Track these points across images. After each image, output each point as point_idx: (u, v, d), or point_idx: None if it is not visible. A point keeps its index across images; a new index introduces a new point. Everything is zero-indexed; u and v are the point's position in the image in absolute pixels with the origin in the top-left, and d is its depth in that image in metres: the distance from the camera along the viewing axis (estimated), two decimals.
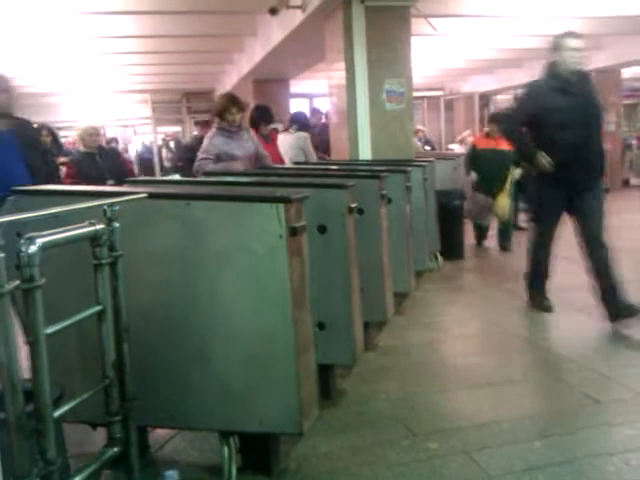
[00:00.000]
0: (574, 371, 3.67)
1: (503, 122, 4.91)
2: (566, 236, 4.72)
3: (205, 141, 5.24)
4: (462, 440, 2.89)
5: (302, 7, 6.56)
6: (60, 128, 14.43)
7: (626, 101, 12.75)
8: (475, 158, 7.62)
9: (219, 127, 5.12)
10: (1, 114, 4.23)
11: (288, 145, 6.76)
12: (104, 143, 8.18)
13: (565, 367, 3.75)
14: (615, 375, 3.57)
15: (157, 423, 2.73)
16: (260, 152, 5.36)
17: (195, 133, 12.76)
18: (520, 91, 4.80)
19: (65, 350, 2.39)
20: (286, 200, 2.39)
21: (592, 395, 3.29)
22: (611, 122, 12.72)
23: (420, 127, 11.95)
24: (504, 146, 6.89)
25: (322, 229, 3.11)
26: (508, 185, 7.31)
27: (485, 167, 7.40)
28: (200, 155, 5.09)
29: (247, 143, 5.20)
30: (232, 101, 5.15)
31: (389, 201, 4.16)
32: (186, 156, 9.04)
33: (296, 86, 13.43)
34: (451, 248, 6.94)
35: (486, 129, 8.18)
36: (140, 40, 9.60)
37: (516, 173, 7.22)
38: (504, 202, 7.40)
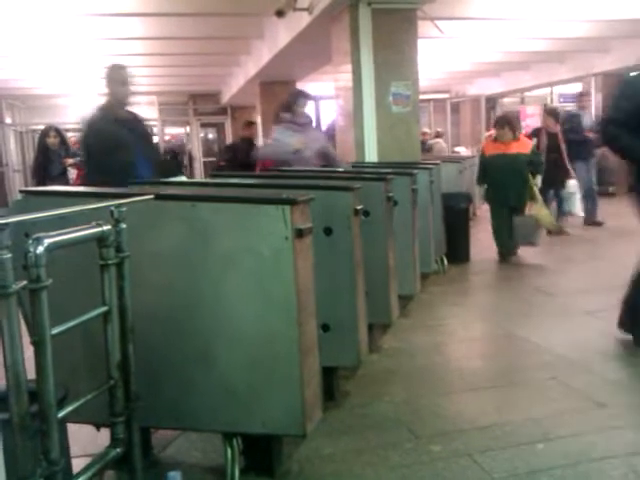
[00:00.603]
0: (578, 374, 3.66)
1: (605, 126, 3.89)
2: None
3: (277, 136, 5.18)
4: (465, 442, 2.89)
5: (309, 9, 6.58)
6: (67, 130, 14.51)
7: None
8: (485, 166, 7.10)
9: (288, 121, 5.09)
10: (121, 106, 4.41)
11: None
12: None
13: (569, 370, 3.74)
14: (619, 378, 3.56)
15: (160, 424, 2.74)
16: (329, 151, 5.30)
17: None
18: (616, 89, 4.06)
19: (69, 350, 2.40)
20: (292, 202, 2.40)
21: (596, 398, 3.28)
22: None
23: (426, 130, 11.92)
24: (515, 150, 6.78)
25: (328, 231, 3.12)
26: (537, 195, 6.83)
27: (497, 175, 6.87)
28: (276, 153, 5.07)
29: (315, 139, 5.17)
30: (300, 93, 5.25)
31: (395, 203, 4.17)
32: (226, 157, 9.12)
33: (302, 88, 13.44)
34: (457, 251, 6.94)
35: (493, 133, 7.85)
36: (147, 42, 9.65)
37: (538, 181, 6.94)
38: (545, 212, 6.99)
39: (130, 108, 4.66)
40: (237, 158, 8.14)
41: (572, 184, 8.42)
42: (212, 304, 2.46)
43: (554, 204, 8.41)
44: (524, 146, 6.95)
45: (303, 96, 5.33)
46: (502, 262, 7.01)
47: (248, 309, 2.43)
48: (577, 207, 8.61)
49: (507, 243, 7.02)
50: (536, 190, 6.86)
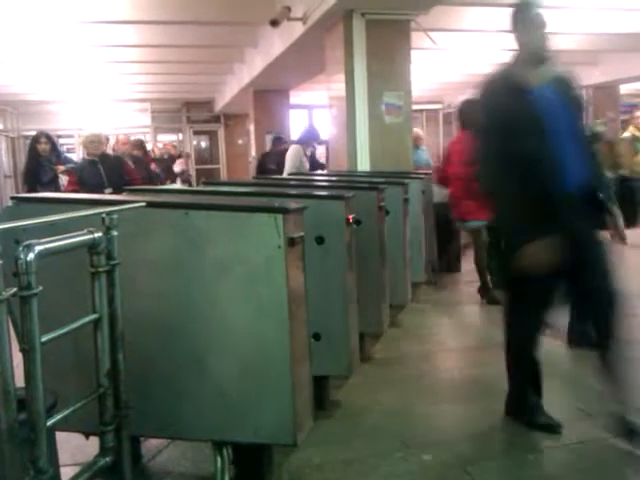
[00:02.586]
0: (568, 385, 3.67)
1: None
2: None
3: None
4: (456, 453, 2.89)
5: (303, 19, 6.61)
6: (60, 136, 14.47)
7: (624, 117, 12.84)
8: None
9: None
10: (536, 62, 2.91)
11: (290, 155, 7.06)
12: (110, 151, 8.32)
13: (559, 381, 3.75)
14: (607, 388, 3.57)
15: (150, 433, 2.72)
16: None
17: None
18: None
19: (59, 358, 2.38)
20: (285, 210, 2.40)
21: (584, 408, 3.29)
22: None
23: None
24: None
25: (320, 240, 3.12)
26: None
27: None
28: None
29: None
30: None
31: (387, 213, 4.18)
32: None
33: (296, 97, 13.48)
34: (448, 261, 6.96)
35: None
36: (140, 49, 9.65)
37: None
38: None
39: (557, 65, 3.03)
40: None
41: None
42: (204, 312, 2.45)
43: None
44: None
45: None
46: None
47: (240, 317, 2.42)
48: None
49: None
50: None
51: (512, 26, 3.01)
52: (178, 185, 9.92)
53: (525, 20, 2.95)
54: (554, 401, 3.41)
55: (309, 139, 7.73)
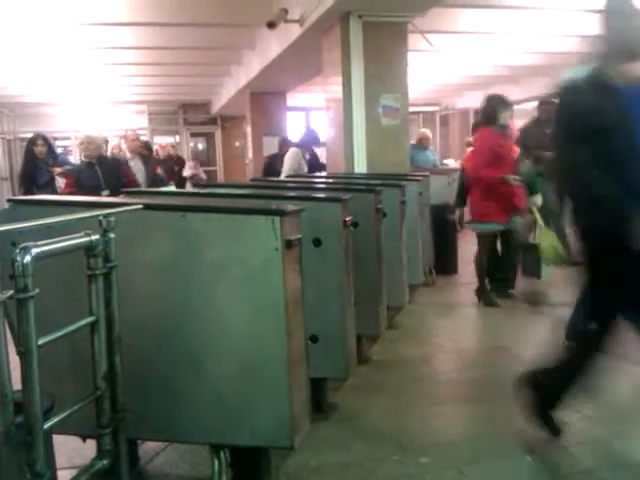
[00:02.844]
0: None
1: None
2: None
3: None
4: (453, 455, 2.89)
5: (300, 21, 6.61)
6: (57, 138, 14.45)
7: None
8: (468, 184, 5.93)
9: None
10: (626, 59, 2.63)
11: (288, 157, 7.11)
12: (109, 153, 8.30)
13: None
14: (605, 391, 3.57)
15: (148, 435, 2.71)
16: None
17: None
18: None
19: (56, 360, 2.38)
20: (282, 213, 2.40)
21: (582, 410, 3.29)
22: None
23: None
24: None
25: (317, 242, 3.12)
26: (538, 219, 5.52)
27: None
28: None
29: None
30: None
31: (384, 215, 4.18)
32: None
33: (293, 99, 13.49)
34: (445, 262, 6.97)
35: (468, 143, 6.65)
36: (137, 51, 9.64)
37: (537, 200, 5.64)
38: (549, 242, 5.22)
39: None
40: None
41: None
42: (201, 314, 2.45)
43: None
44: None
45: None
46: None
47: (237, 319, 2.42)
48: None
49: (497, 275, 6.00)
50: (536, 213, 5.60)
51: (604, 18, 2.71)
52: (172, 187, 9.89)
53: (620, 12, 2.68)
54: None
55: (308, 142, 7.76)
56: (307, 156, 7.77)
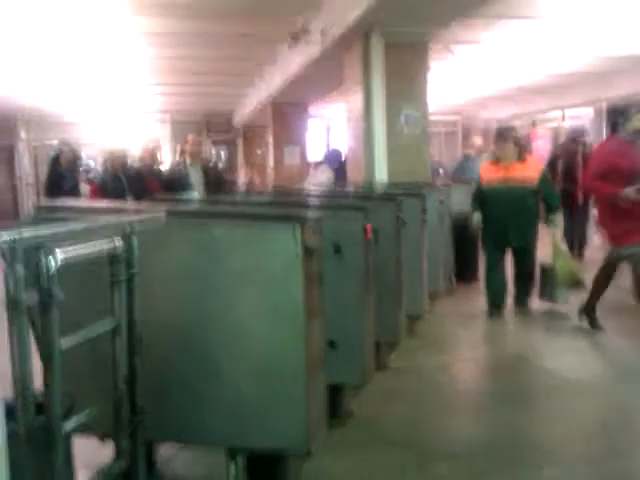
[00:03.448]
0: (585, 397, 3.64)
1: None
2: None
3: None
4: (470, 464, 2.88)
5: (322, 38, 6.65)
6: (81, 145, 14.65)
7: None
8: (483, 197, 5.54)
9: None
10: None
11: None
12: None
13: (576, 392, 3.72)
14: (628, 400, 3.53)
15: (165, 438, 2.74)
16: None
17: None
18: None
19: (76, 362, 2.41)
20: (303, 220, 2.42)
21: (601, 421, 3.26)
22: None
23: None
24: (520, 174, 5.30)
25: (337, 249, 3.14)
26: (559, 242, 5.31)
27: (496, 208, 5.37)
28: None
29: None
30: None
31: (404, 223, 4.19)
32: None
33: (314, 110, 13.56)
34: (465, 271, 6.94)
35: (492, 152, 6.05)
36: (160, 61, 9.77)
37: (557, 220, 5.39)
38: (567, 268, 5.24)
39: None
40: None
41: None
42: (221, 319, 2.48)
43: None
44: (532, 169, 5.45)
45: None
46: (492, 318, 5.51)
47: (257, 324, 2.44)
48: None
49: (500, 295, 5.60)
50: (558, 235, 5.32)
51: None
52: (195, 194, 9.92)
53: None
54: (559, 418, 3.38)
55: (331, 161, 8.04)
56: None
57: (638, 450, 3.02)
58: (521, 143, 5.45)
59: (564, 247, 5.36)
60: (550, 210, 5.38)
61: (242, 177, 11.96)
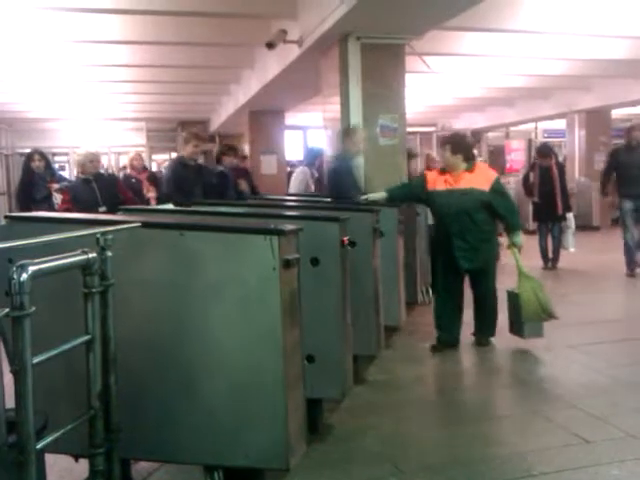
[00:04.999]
0: (563, 409, 3.65)
1: None
2: None
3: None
4: (449, 477, 2.86)
5: (299, 42, 6.67)
6: (55, 154, 14.47)
7: (616, 141, 12.97)
8: (430, 205, 5.01)
9: None
10: None
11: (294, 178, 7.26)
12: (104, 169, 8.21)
13: (555, 405, 3.73)
14: (604, 414, 3.55)
15: (141, 455, 2.68)
16: None
17: None
18: None
19: (49, 378, 2.36)
20: (280, 232, 2.40)
21: (580, 434, 3.27)
22: (602, 161, 12.92)
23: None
24: (468, 184, 4.61)
25: (315, 261, 3.12)
26: (521, 266, 4.67)
27: (444, 222, 4.70)
28: None
29: None
30: None
31: (381, 234, 4.18)
32: None
33: (291, 118, 13.56)
34: None
35: (436, 159, 5.42)
36: (136, 69, 9.70)
37: (516, 239, 4.68)
38: (532, 296, 4.58)
39: None
40: None
41: (570, 217, 8.23)
42: (197, 333, 2.44)
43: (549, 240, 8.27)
44: (481, 179, 4.67)
45: None
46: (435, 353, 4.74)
47: (233, 339, 2.41)
48: (570, 242, 8.28)
49: (450, 328, 4.81)
50: (518, 257, 4.68)
51: None
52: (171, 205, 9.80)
53: None
54: (551, 427, 3.40)
55: (313, 158, 7.89)
56: (315, 174, 7.84)
57: None
58: (468, 151, 4.77)
59: (527, 271, 4.72)
60: (507, 227, 4.78)
61: None
